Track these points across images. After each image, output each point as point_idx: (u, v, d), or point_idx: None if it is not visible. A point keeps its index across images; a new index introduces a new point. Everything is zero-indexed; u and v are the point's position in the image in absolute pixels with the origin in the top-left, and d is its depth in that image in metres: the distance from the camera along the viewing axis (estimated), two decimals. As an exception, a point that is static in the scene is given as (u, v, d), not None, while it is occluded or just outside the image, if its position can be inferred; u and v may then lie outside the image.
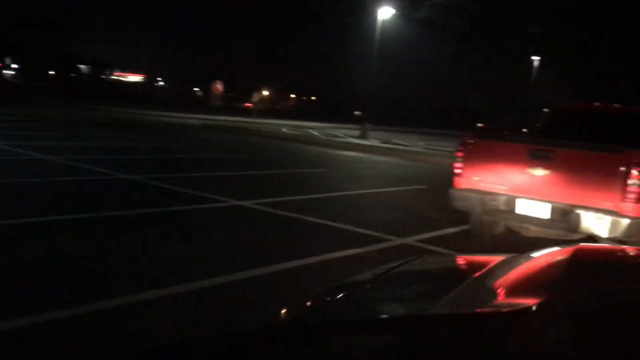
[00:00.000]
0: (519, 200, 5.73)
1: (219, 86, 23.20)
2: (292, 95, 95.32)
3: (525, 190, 5.71)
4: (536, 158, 5.63)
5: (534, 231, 5.70)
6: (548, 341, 0.90)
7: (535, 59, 40.17)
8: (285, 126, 31.88)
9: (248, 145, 18.03)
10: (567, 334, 0.93)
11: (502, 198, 5.82)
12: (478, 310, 1.20)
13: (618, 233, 5.15)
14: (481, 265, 1.51)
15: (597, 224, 5.23)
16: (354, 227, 6.85)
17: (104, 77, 77.15)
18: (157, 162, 12.00)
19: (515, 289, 1.32)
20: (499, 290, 1.31)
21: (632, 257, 1.77)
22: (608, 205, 5.28)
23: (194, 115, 26.83)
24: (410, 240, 6.47)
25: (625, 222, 5.15)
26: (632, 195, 5.17)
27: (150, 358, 0.90)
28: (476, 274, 1.42)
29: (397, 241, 6.39)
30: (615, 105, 7.07)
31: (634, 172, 5.14)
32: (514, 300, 1.18)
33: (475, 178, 6.02)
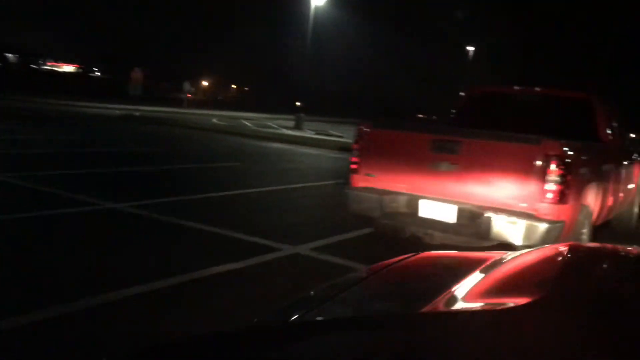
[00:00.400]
0: (422, 201, 4.79)
1: (137, 75, 21.52)
2: (234, 86, 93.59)
3: (429, 190, 4.77)
4: (440, 150, 4.70)
5: (438, 238, 4.78)
6: (543, 338, 0.90)
7: (470, 48, 40.20)
8: (218, 117, 30.56)
9: (168, 138, 16.70)
10: (562, 332, 0.93)
11: (403, 199, 4.86)
12: (474, 308, 1.22)
13: (535, 240, 4.27)
14: (478, 263, 1.55)
15: (509, 229, 4.34)
16: (241, 233, 5.77)
17: (35, 67, 72.98)
18: (47, 157, 10.52)
19: (511, 287, 1.34)
20: (494, 288, 1.33)
21: (626, 254, 1.78)
22: (523, 207, 4.40)
23: (124, 106, 25.55)
24: (304, 248, 5.44)
25: (542, 227, 4.28)
26: (550, 195, 4.31)
27: (144, 357, 0.89)
28: (472, 272, 1.43)
29: (287, 250, 5.35)
30: (538, 88, 6.23)
31: (553, 166, 4.28)
32: (510, 298, 1.20)
33: (373, 175, 5.03)
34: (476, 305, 1.24)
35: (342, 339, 0.95)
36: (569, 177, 4.35)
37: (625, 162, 6.43)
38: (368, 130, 5.08)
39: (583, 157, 4.76)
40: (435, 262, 1.90)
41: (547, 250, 1.71)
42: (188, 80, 38.49)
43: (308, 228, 6.34)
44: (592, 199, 5.28)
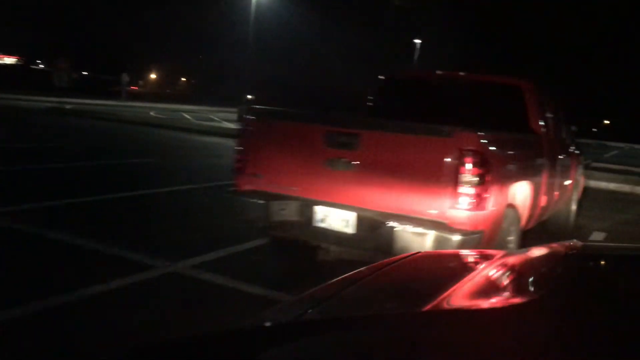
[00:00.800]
0: (317, 207, 3.90)
1: (62, 65, 19.97)
2: (183, 79, 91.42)
3: (325, 193, 3.90)
4: (335, 145, 3.82)
5: (335, 252, 3.92)
6: (543, 337, 0.90)
7: (417, 41, 39.92)
8: (158, 110, 29.11)
9: (93, 132, 15.41)
10: (562, 331, 0.93)
11: (295, 205, 3.97)
12: (474, 306, 1.23)
13: (446, 255, 3.45)
14: (477, 262, 1.59)
15: (415, 242, 3.52)
16: (113, 247, 4.76)
17: (-30, 59, 68.98)
18: None
19: (511, 286, 1.34)
20: (494, 287, 1.35)
21: (626, 254, 1.78)
22: (433, 214, 3.58)
23: (60, 99, 24.20)
24: (183, 266, 4.48)
25: (455, 239, 3.47)
26: (465, 199, 3.50)
27: (143, 356, 0.89)
28: (472, 270, 1.43)
29: (162, 269, 4.39)
30: (462, 73, 5.44)
31: (468, 163, 3.47)
32: (510, 297, 1.23)
33: (260, 176, 4.13)
34: (476, 304, 1.25)
35: (342, 338, 0.94)
36: (488, 177, 3.55)
37: (561, 156, 5.74)
38: (253, 121, 4.16)
39: (507, 152, 3.99)
40: (436, 260, 1.87)
41: (548, 249, 1.70)
42: (126, 72, 36.59)
43: (200, 237, 5.37)
44: (521, 200, 4.53)
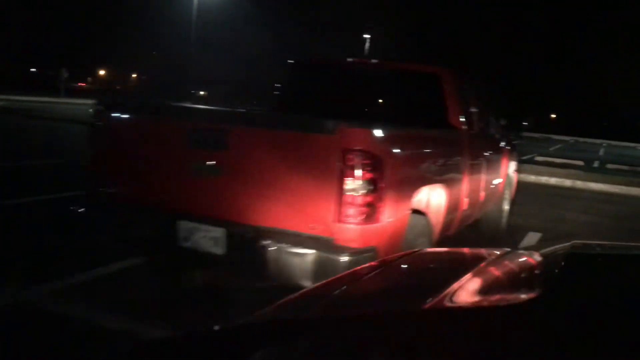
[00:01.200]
0: (180, 223, 3.17)
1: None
2: (134, 75, 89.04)
3: (189, 205, 3.18)
4: (201, 146, 3.10)
5: (202, 278, 3.21)
6: (544, 336, 0.89)
7: (367, 36, 39.65)
8: (96, 106, 27.59)
9: (15, 130, 14.12)
10: (562, 329, 0.92)
11: (154, 220, 3.22)
12: (476, 304, 1.23)
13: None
14: (478, 260, 1.55)
15: (294, 265, 2.85)
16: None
17: None
18: None
19: (512, 284, 1.34)
20: (495, 286, 1.34)
21: (628, 253, 1.78)
22: (315, 229, 2.92)
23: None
24: (28, 295, 3.66)
25: (341, 260, 2.81)
26: (352, 210, 2.85)
27: (144, 353, 0.89)
28: (473, 269, 1.41)
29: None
30: (376, 60, 4.79)
31: (355, 167, 2.82)
32: (511, 296, 1.23)
33: (115, 184, 3.36)
34: (476, 302, 1.25)
35: (340, 336, 0.93)
36: (382, 183, 2.91)
37: (487, 153, 5.20)
38: (103, 116, 3.38)
39: (411, 151, 3.36)
40: (437, 258, 1.86)
41: (551, 248, 1.69)
42: (65, 67, 34.81)
43: (52, 259, 4.44)
44: (434, 205, 3.93)
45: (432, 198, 3.87)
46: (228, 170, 3.06)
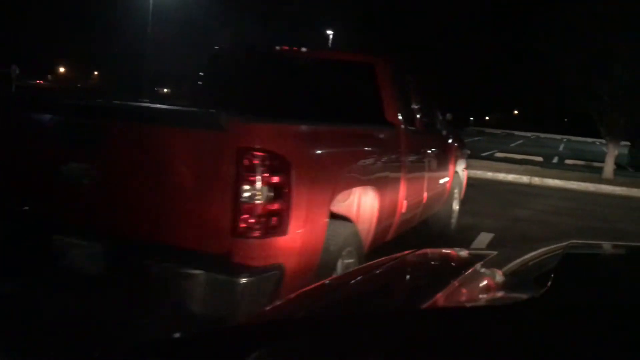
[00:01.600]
0: (54, 238, 2.65)
1: None
2: (96, 73, 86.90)
3: (63, 216, 2.67)
4: (72, 145, 2.60)
5: (74, 305, 2.70)
6: (542, 335, 0.89)
7: (330, 32, 39.26)
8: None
9: None
10: (561, 328, 0.92)
11: (21, 235, 2.70)
12: (474, 304, 1.24)
13: (228, 305, 2.34)
14: (476, 260, 1.54)
15: (180, 288, 2.37)
16: None
17: None
18: None
19: (510, 284, 1.33)
20: (493, 285, 1.34)
21: (625, 252, 1.79)
22: (208, 245, 2.45)
23: None
24: None
25: (239, 283, 2.35)
26: (251, 221, 2.39)
27: (141, 354, 0.90)
28: (471, 269, 1.41)
29: None
30: (306, 49, 4.34)
31: (256, 171, 2.36)
32: (509, 295, 1.25)
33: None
34: (476, 301, 1.24)
35: (341, 335, 0.93)
36: (290, 188, 2.47)
37: (431, 151, 4.81)
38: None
39: (327, 150, 2.91)
40: (435, 258, 1.85)
41: (548, 247, 1.65)
42: (18, 64, 33.41)
43: None
44: (365, 210, 3.52)
45: (361, 202, 3.45)
46: (103, 174, 2.56)
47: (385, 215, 3.75)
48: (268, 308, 1.33)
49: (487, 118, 76.08)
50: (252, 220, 2.38)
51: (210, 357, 0.88)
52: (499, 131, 47.38)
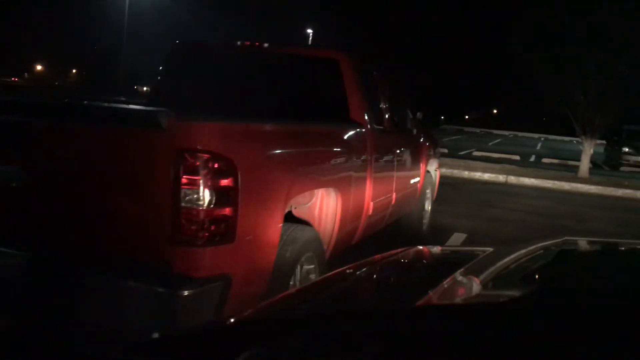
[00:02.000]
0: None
1: None
2: (74, 70, 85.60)
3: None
4: (2, 145, 2.38)
5: None
6: (536, 333, 0.89)
7: (309, 31, 39.16)
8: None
9: None
10: (554, 326, 0.92)
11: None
12: (466, 302, 1.22)
13: (166, 320, 2.15)
14: (470, 257, 1.53)
15: (115, 301, 2.18)
16: None
17: None
18: None
19: (504, 281, 1.33)
20: (487, 283, 1.32)
21: (619, 249, 1.79)
22: (148, 253, 2.26)
23: None
24: None
25: (182, 294, 2.16)
26: (193, 228, 2.20)
27: (136, 352, 0.90)
28: (465, 266, 1.41)
29: None
30: (269, 44, 4.14)
31: (198, 174, 2.17)
32: (503, 292, 1.23)
33: None
34: (469, 299, 1.23)
35: (334, 332, 0.93)
36: (236, 191, 2.29)
37: (400, 150, 4.66)
38: None
39: (280, 150, 2.73)
40: (429, 256, 1.84)
41: (542, 245, 1.66)
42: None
43: None
44: (327, 213, 3.35)
45: (322, 205, 3.28)
46: (35, 177, 2.35)
47: (350, 217, 3.58)
48: (259, 306, 1.32)
49: (466, 117, 76.62)
50: (193, 227, 2.19)
51: (201, 356, 0.87)
52: (477, 130, 47.65)
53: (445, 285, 1.25)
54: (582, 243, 1.95)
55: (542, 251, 1.62)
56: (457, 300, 1.24)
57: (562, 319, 0.95)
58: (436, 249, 1.97)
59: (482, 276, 1.34)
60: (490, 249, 1.61)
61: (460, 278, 1.33)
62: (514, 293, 1.18)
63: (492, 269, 1.39)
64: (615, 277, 1.35)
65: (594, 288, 1.22)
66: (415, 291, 1.24)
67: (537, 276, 1.31)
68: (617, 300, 1.10)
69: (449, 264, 1.66)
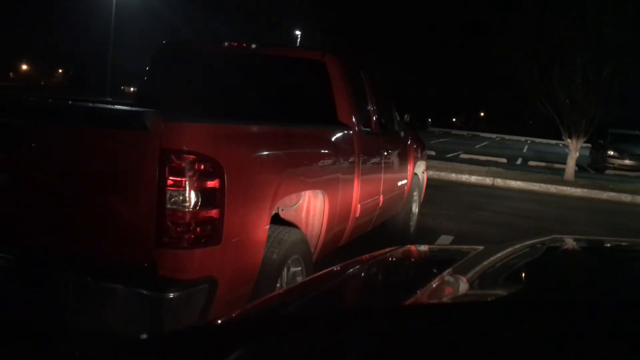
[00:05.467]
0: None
1: None
2: (60, 71, 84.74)
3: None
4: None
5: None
6: (525, 331, 0.89)
7: (298, 32, 39.21)
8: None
9: None
10: (544, 323, 0.92)
11: None
12: (456, 300, 1.21)
13: (150, 323, 2.13)
14: (460, 256, 1.55)
15: (98, 303, 2.16)
16: None
17: None
18: None
19: (494, 279, 1.33)
20: (477, 280, 1.32)
21: (607, 246, 1.81)
22: (133, 255, 2.24)
23: None
24: None
25: (167, 297, 2.14)
26: (179, 230, 2.19)
27: (124, 351, 0.90)
28: (455, 265, 1.42)
29: None
30: (256, 45, 4.13)
31: (184, 175, 2.16)
32: (492, 290, 1.22)
33: None
34: (459, 298, 1.23)
35: (324, 331, 0.93)
36: (222, 193, 2.28)
37: (387, 153, 4.67)
38: None
39: (266, 152, 2.72)
40: (419, 255, 1.84)
41: (531, 243, 1.67)
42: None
43: None
44: (314, 215, 3.35)
45: (309, 207, 3.28)
46: (17, 178, 2.32)
47: (337, 219, 3.58)
48: (249, 305, 1.30)
49: (453, 120, 77.10)
50: (179, 229, 2.18)
51: (190, 356, 0.86)
52: (465, 132, 47.88)
53: (435, 284, 1.24)
54: (570, 241, 1.97)
55: (531, 249, 1.62)
56: (446, 299, 1.23)
57: (551, 316, 0.95)
58: (425, 248, 1.97)
59: (473, 274, 1.34)
60: (481, 247, 1.61)
61: (450, 276, 1.32)
62: (504, 291, 1.18)
63: (482, 266, 1.39)
64: (603, 273, 1.36)
65: (582, 284, 1.22)
66: (404, 290, 1.24)
67: (527, 273, 1.32)
68: (605, 296, 1.11)
69: (439, 262, 1.66)
